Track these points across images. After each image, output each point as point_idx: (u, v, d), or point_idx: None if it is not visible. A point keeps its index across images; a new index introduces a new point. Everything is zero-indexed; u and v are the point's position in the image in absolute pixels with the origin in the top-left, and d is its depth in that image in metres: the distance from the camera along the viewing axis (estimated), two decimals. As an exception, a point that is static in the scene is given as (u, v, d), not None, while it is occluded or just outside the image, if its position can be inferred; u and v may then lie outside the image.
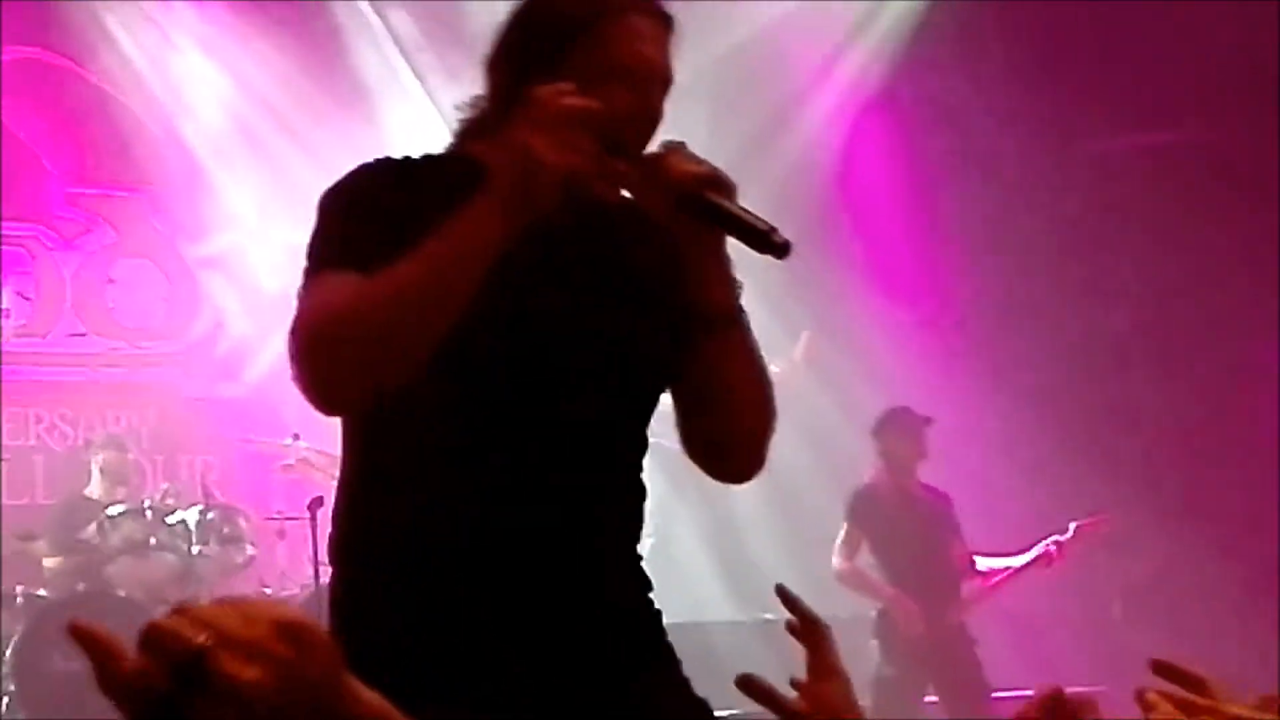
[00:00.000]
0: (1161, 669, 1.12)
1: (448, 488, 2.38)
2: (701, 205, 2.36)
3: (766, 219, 2.35)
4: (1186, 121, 9.80)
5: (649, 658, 2.49)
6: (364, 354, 2.25)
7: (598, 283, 2.47)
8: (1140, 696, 1.13)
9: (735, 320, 2.46)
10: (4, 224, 10.13)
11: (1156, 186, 9.85)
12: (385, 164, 2.46)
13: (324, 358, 2.26)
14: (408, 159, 2.49)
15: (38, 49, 10.20)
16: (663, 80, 2.46)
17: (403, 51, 10.38)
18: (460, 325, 2.26)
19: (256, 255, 10.28)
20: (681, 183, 2.35)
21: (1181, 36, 9.46)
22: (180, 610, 1.14)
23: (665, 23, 2.48)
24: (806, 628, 2.06)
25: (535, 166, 2.22)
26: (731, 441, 2.54)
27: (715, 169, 2.38)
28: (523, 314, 2.37)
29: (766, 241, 2.32)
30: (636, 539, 2.54)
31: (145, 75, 10.24)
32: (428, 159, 2.48)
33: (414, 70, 10.32)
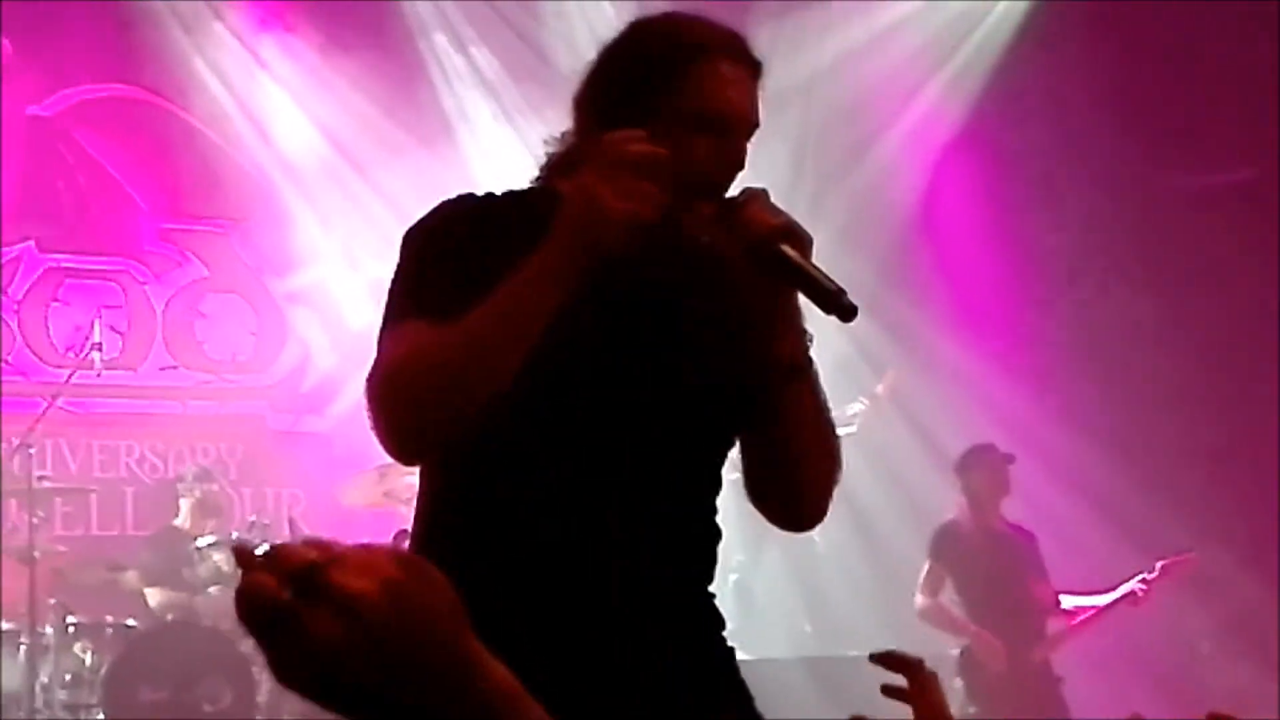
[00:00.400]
0: None
1: (524, 529, 2.40)
2: (775, 258, 2.36)
3: (837, 280, 2.37)
4: (1267, 159, 9.71)
5: (721, 696, 2.50)
6: (435, 406, 2.30)
7: (678, 328, 2.49)
8: None
9: (803, 372, 2.47)
10: (96, 259, 10.28)
11: (1236, 225, 9.78)
12: (467, 201, 2.49)
13: (398, 409, 2.32)
14: (490, 195, 2.51)
15: (130, 86, 10.35)
16: (748, 126, 2.46)
17: (486, 88, 10.45)
18: (539, 371, 2.30)
19: (341, 290, 10.38)
20: (757, 233, 2.36)
21: (1262, 74, 9.40)
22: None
23: (753, 67, 2.48)
24: (911, 673, 2.08)
25: (597, 213, 2.24)
26: (796, 492, 2.55)
27: (791, 222, 2.38)
28: (603, 361, 2.41)
29: (835, 303, 2.34)
30: (710, 578, 2.56)
31: (234, 112, 10.37)
32: (510, 195, 2.51)
33: (498, 107, 10.40)
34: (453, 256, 2.37)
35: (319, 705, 1.16)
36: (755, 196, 2.40)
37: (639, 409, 2.43)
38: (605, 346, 2.41)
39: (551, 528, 2.40)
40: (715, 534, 2.56)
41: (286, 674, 1.15)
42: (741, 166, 2.46)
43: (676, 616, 2.47)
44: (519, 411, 2.33)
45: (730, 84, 2.43)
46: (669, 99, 2.40)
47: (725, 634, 2.56)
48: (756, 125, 2.48)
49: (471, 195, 2.50)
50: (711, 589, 2.56)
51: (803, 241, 2.37)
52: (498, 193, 2.53)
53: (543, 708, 1.20)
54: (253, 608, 1.13)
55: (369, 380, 2.34)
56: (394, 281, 2.44)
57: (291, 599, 1.11)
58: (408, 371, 2.30)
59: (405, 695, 1.15)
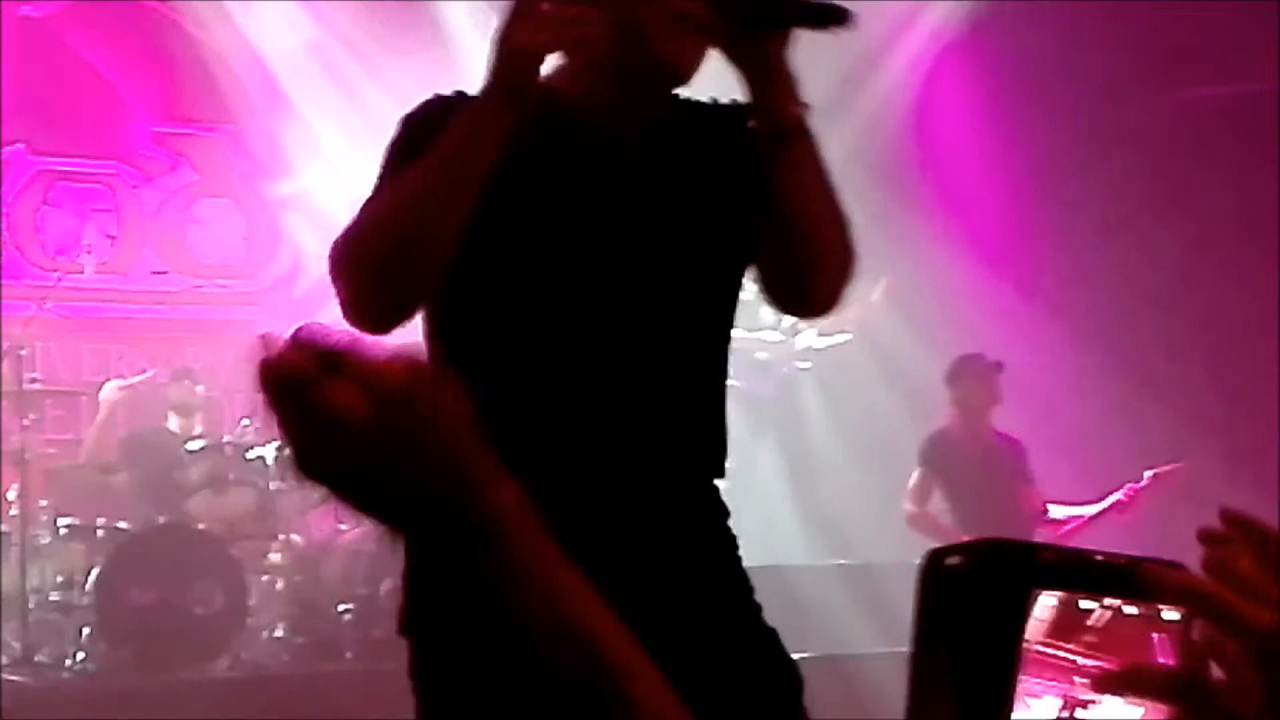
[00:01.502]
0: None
1: (523, 405, 2.40)
2: (759, 9, 2.34)
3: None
4: (1268, 75, 9.65)
5: (724, 577, 2.51)
6: (384, 265, 2.31)
7: (657, 194, 2.48)
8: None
9: (804, 132, 2.41)
10: (87, 162, 10.24)
11: (1237, 135, 9.75)
12: (456, 98, 2.49)
13: (350, 276, 2.34)
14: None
15: (120, -14, 10.28)
16: None
17: None
18: (525, 248, 2.34)
19: (335, 196, 10.33)
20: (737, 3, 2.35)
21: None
22: None
23: None
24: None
25: (507, 47, 2.26)
26: (807, 263, 2.45)
27: None
28: (584, 232, 2.41)
29: (829, 15, 2.31)
30: (714, 464, 2.56)
31: (228, 14, 10.29)
32: None
33: (497, 14, 10.30)
34: (422, 142, 2.38)
35: (332, 492, 1.17)
36: None
37: (630, 277, 2.43)
38: (566, 208, 2.41)
39: (543, 409, 2.41)
40: (715, 417, 2.55)
41: (304, 449, 1.15)
42: None
43: (676, 499, 2.48)
44: (496, 287, 2.36)
45: None
46: None
47: (729, 523, 2.56)
48: None
49: (461, 93, 2.50)
50: (717, 479, 2.56)
51: None
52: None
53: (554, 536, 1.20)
54: (275, 378, 1.14)
55: (331, 252, 2.37)
56: (380, 167, 2.48)
57: (315, 370, 1.12)
58: (354, 238, 2.34)
59: (418, 481, 1.15)
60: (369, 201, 2.39)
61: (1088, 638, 1.04)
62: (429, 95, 2.53)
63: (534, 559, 1.17)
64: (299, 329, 1.15)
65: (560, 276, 2.41)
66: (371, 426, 1.12)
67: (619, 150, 2.46)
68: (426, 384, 1.14)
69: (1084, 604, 1.03)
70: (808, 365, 9.28)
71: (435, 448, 1.15)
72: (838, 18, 2.31)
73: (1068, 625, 1.03)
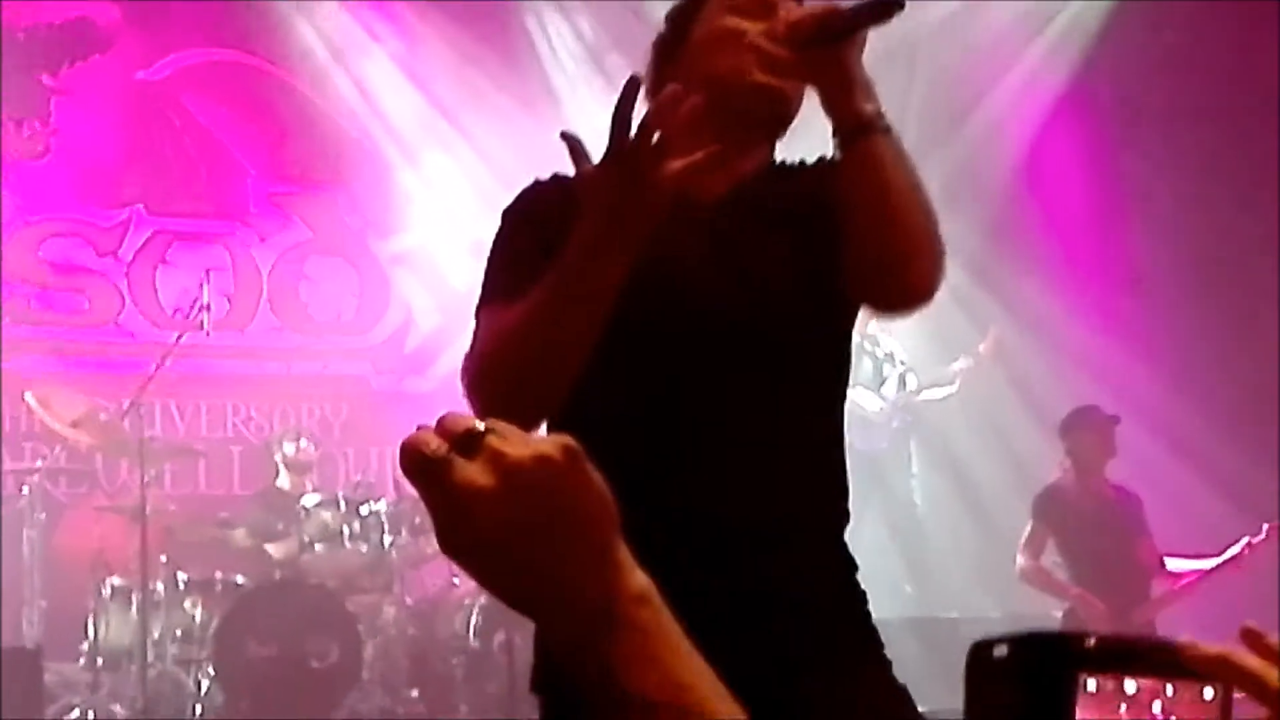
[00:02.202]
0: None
1: (631, 477, 2.41)
2: (821, 36, 2.41)
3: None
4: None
5: (853, 641, 2.52)
6: (514, 392, 2.35)
7: (757, 253, 2.52)
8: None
9: (879, 126, 2.43)
10: (204, 221, 10.42)
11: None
12: (553, 181, 2.54)
13: (484, 398, 2.38)
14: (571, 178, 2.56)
15: (236, 51, 10.46)
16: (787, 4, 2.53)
17: (590, 55, 10.45)
18: (632, 324, 2.35)
19: (444, 252, 10.45)
20: (799, 32, 2.43)
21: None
22: None
23: None
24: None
25: (652, 197, 2.22)
26: (894, 248, 2.43)
27: (811, 8, 2.46)
28: (695, 301, 2.45)
29: (881, 8, 2.35)
30: (837, 517, 2.57)
31: (339, 76, 10.46)
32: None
33: (601, 74, 10.40)
34: (533, 237, 2.42)
35: (466, 570, 1.21)
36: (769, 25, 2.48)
37: (723, 336, 2.47)
38: (674, 279, 2.45)
39: (666, 473, 2.44)
40: (835, 469, 2.58)
41: (439, 527, 1.20)
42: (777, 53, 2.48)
43: (802, 556, 2.49)
44: (602, 374, 2.37)
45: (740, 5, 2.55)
46: (705, 14, 2.56)
47: (857, 577, 2.57)
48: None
49: (558, 175, 2.53)
50: (842, 533, 2.57)
51: (830, 10, 2.43)
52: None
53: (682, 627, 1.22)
54: (410, 457, 1.19)
55: (462, 372, 2.43)
56: (488, 259, 2.53)
57: (448, 451, 1.16)
58: (485, 361, 2.39)
59: (545, 563, 1.18)
60: (489, 315, 2.43)
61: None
62: (536, 178, 2.57)
63: (659, 648, 1.19)
64: (443, 415, 1.21)
65: (669, 348, 2.45)
66: (499, 505, 1.16)
67: (721, 211, 2.50)
68: (562, 467, 1.18)
69: (1128, 687, 1.05)
70: (912, 420, 9.24)
71: (566, 531, 1.18)
72: (894, 5, 2.34)
73: (1110, 706, 1.05)
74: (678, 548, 2.38)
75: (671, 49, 2.58)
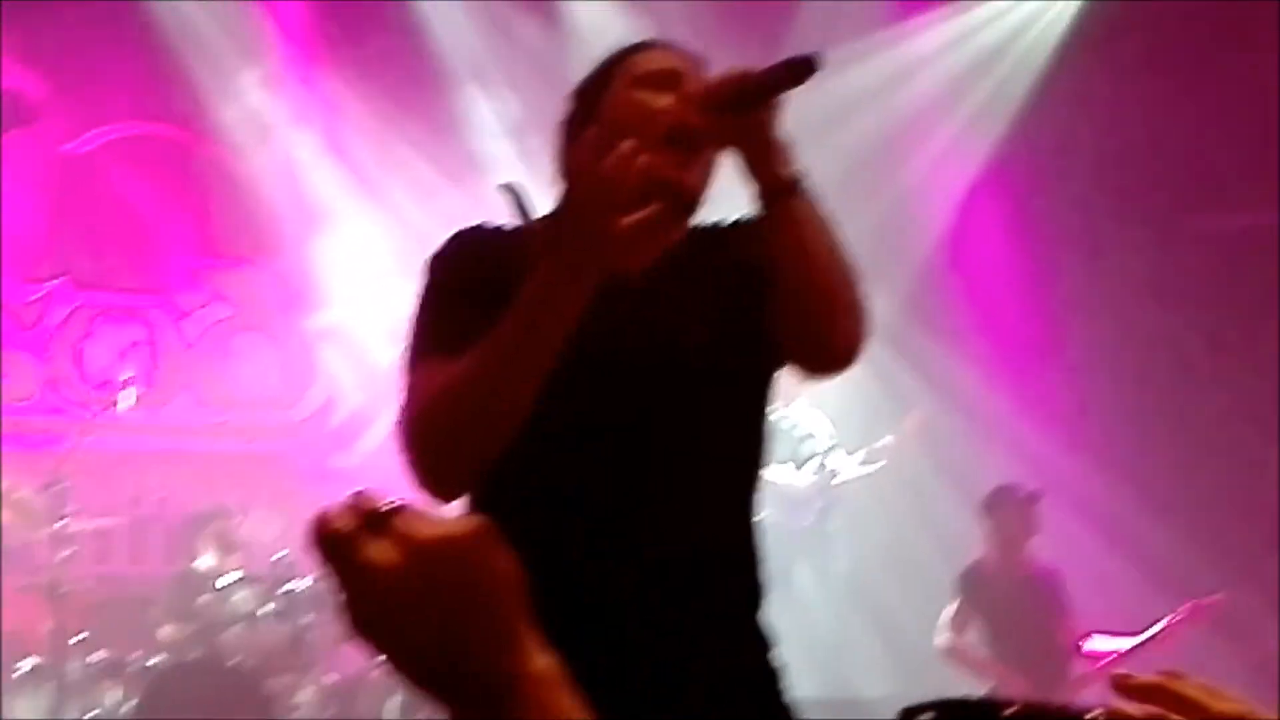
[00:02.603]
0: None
1: (551, 550, 2.40)
2: (738, 102, 2.42)
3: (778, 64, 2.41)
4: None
5: (768, 714, 2.51)
6: (454, 449, 2.35)
7: (676, 322, 2.53)
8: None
9: (800, 190, 2.46)
10: (127, 296, 10.35)
11: (1268, 264, 9.77)
12: (474, 233, 2.56)
13: (425, 454, 2.37)
14: (500, 228, 2.57)
15: (162, 124, 10.43)
16: (694, 76, 2.55)
17: (514, 133, 10.46)
18: (549, 394, 2.34)
19: (368, 327, 10.41)
20: (711, 100, 2.44)
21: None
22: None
23: (686, 52, 2.62)
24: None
25: (604, 239, 2.24)
26: (819, 309, 2.46)
27: (722, 76, 2.47)
28: (604, 358, 2.45)
29: (797, 71, 2.37)
30: (753, 593, 2.56)
31: (264, 150, 10.43)
32: (521, 227, 2.54)
33: (526, 149, 10.42)
34: (464, 290, 2.42)
35: (371, 647, 1.20)
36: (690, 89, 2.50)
37: (637, 407, 2.47)
38: (596, 360, 2.44)
39: (579, 549, 2.43)
40: (751, 547, 2.57)
41: (346, 605, 1.19)
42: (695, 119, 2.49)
43: (717, 633, 2.48)
44: (533, 437, 2.36)
45: (664, 54, 2.60)
46: (614, 88, 2.57)
47: (773, 653, 2.56)
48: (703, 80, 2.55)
49: (482, 227, 2.54)
50: (758, 610, 2.56)
51: (743, 75, 2.45)
52: (509, 225, 2.57)
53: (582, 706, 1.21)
54: (320, 534, 1.19)
55: (398, 426, 2.41)
56: (413, 319, 2.50)
57: (356, 528, 1.16)
58: (424, 420, 2.37)
59: (447, 640, 1.18)
60: (425, 370, 2.41)
61: None
62: (452, 231, 2.58)
63: None
64: (354, 493, 1.21)
65: (584, 420, 2.45)
66: (404, 583, 1.16)
67: (642, 283, 2.51)
68: (469, 547, 1.17)
69: None
70: (838, 498, 9.25)
71: (471, 610, 1.17)
72: (810, 67, 2.37)
73: None
74: (592, 620, 2.37)
75: (579, 127, 2.56)
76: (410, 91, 10.39)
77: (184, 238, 10.52)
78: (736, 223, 2.63)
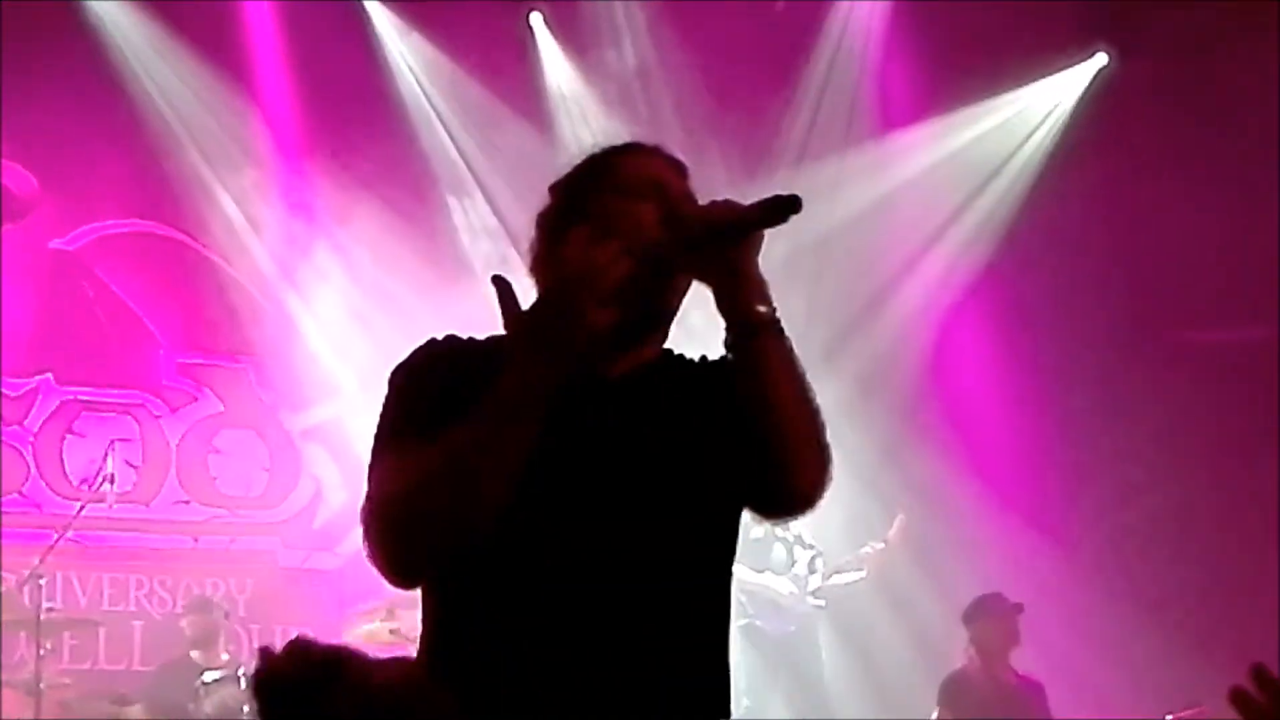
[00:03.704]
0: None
1: (512, 655, 2.40)
2: (717, 234, 2.43)
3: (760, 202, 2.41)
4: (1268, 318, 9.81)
5: None
6: (421, 534, 2.34)
7: (647, 436, 2.52)
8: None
9: (773, 327, 2.48)
10: (113, 391, 10.35)
11: (1241, 380, 9.85)
12: (448, 341, 2.57)
13: (388, 539, 2.36)
14: (471, 337, 2.59)
15: (152, 221, 10.47)
16: (672, 188, 2.54)
17: (507, 235, 10.51)
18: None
19: (355, 427, 10.41)
20: (694, 229, 2.44)
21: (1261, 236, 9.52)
22: None
23: (671, 159, 2.61)
24: None
25: (579, 326, 2.28)
26: (781, 453, 2.47)
27: (702, 207, 2.48)
28: (570, 462, 2.44)
29: (779, 209, 2.38)
30: (723, 702, 2.55)
31: (255, 248, 10.48)
32: (491, 337, 2.56)
33: (517, 253, 10.48)
34: (434, 390, 2.43)
35: None
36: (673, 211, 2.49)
37: (605, 515, 2.45)
38: (565, 470, 2.44)
39: (541, 655, 2.41)
40: (718, 657, 2.56)
41: None
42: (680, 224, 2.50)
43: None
44: (498, 538, 2.36)
45: (649, 161, 2.58)
46: (599, 190, 2.54)
47: None
48: (687, 193, 2.57)
49: (452, 335, 2.57)
50: (725, 697, 2.56)
51: (726, 207, 2.45)
52: (479, 336, 2.60)
53: None
54: (272, 685, 1.16)
55: (361, 513, 2.40)
56: (380, 418, 2.52)
57: (311, 678, 1.15)
58: (392, 500, 2.36)
59: None
60: (391, 459, 2.40)
61: None
62: (429, 338, 2.59)
63: None
64: (294, 640, 1.19)
65: (550, 522, 2.43)
66: None
67: (614, 393, 2.51)
68: (417, 692, 1.17)
69: None
70: (823, 604, 9.24)
71: None
72: (790, 208, 2.38)
73: None
74: (554, 699, 2.36)
75: (558, 222, 2.56)
76: (401, 193, 10.46)
77: (172, 334, 10.53)
78: (716, 359, 2.64)
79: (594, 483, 2.46)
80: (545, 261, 2.51)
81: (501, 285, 2.33)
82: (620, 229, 2.43)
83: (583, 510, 2.44)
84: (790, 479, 2.49)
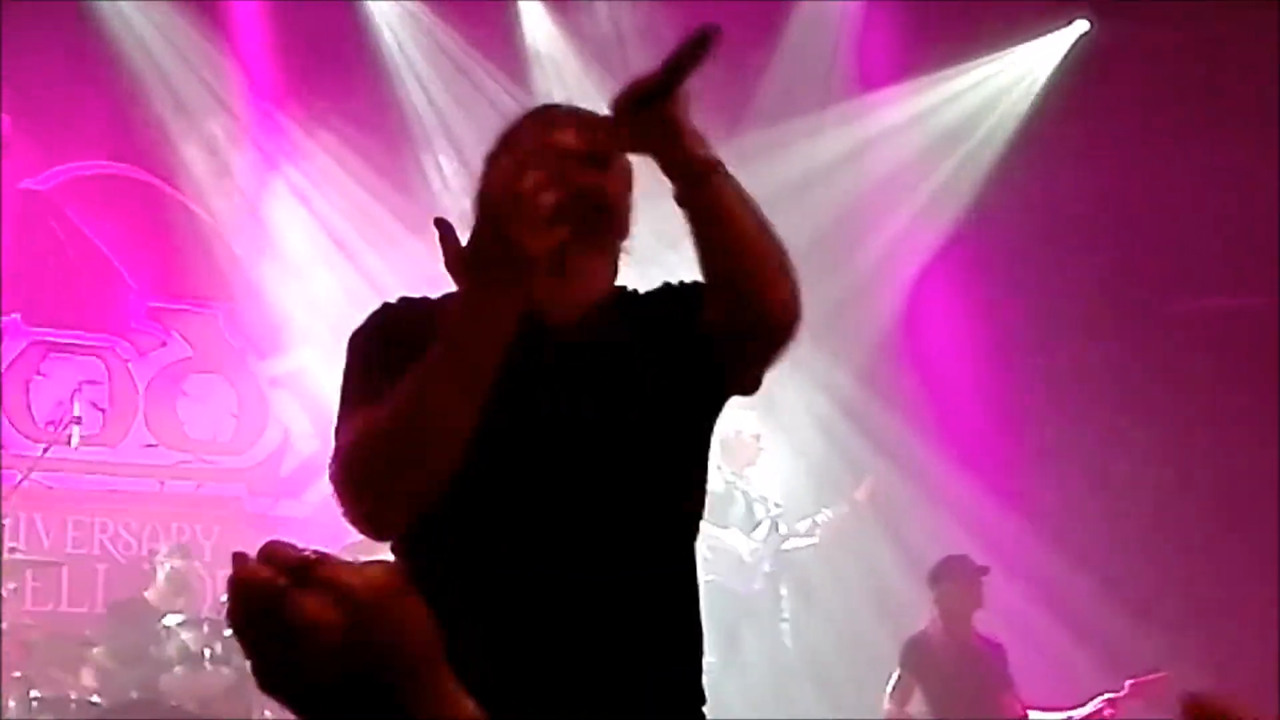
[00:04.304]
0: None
1: (474, 605, 2.42)
2: (642, 98, 2.41)
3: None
4: (1266, 287, 9.82)
5: None
6: (387, 480, 2.34)
7: (601, 376, 2.53)
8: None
9: (719, 168, 2.46)
10: (81, 334, 10.31)
11: (1229, 347, 9.88)
12: (402, 302, 2.59)
13: (358, 492, 2.36)
14: (425, 297, 2.60)
15: (124, 164, 10.42)
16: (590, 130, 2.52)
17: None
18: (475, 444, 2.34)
19: (325, 375, 10.39)
20: (623, 103, 2.42)
21: (1262, 200, 9.52)
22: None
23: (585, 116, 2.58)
24: None
25: (520, 257, 2.24)
26: (749, 276, 2.45)
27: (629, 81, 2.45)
28: (524, 421, 2.44)
29: (697, 49, 2.34)
30: (686, 655, 2.56)
31: (228, 194, 10.44)
32: (446, 295, 2.56)
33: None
34: (392, 351, 2.42)
35: (293, 707, 1.18)
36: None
37: (563, 459, 2.47)
38: (518, 442, 2.45)
39: (502, 619, 2.43)
40: (685, 619, 2.57)
41: (271, 663, 1.17)
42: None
43: (645, 693, 2.48)
44: (461, 493, 2.37)
45: (559, 121, 2.56)
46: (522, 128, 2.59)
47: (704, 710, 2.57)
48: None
49: (407, 297, 2.59)
50: (692, 665, 2.57)
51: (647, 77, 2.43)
52: (433, 295, 2.60)
53: None
54: (247, 592, 1.16)
55: (329, 471, 2.40)
56: (342, 383, 2.53)
57: (286, 583, 1.14)
58: (358, 455, 2.36)
59: (381, 694, 1.17)
60: (356, 417, 2.40)
61: None
62: (384, 301, 2.61)
63: None
64: (266, 544, 1.18)
65: (519, 464, 2.45)
66: (339, 635, 1.14)
67: (564, 334, 2.51)
68: (394, 597, 1.16)
69: None
70: (788, 561, 9.27)
71: (400, 661, 1.17)
72: (705, 43, 2.34)
73: None
74: (519, 680, 2.37)
75: (488, 163, 2.61)
76: (375, 144, 10.43)
77: (143, 277, 10.49)
78: (662, 287, 2.65)
79: (547, 456, 2.47)
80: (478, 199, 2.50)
81: (443, 227, 2.33)
82: (549, 153, 2.41)
83: (539, 486, 2.45)
84: (767, 296, 2.46)
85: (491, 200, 2.27)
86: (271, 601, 1.15)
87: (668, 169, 2.46)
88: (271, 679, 1.17)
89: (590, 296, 2.56)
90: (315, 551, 1.17)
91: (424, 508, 2.37)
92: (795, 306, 2.48)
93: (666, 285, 2.65)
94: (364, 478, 2.35)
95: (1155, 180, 9.98)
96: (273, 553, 1.17)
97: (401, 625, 1.17)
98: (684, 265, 2.59)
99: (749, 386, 2.61)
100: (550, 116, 2.60)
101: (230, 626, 1.17)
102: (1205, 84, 9.86)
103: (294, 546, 1.17)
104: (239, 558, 1.18)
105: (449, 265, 2.31)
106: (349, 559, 1.19)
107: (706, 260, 2.47)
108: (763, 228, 2.48)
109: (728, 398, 2.64)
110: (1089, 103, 10.20)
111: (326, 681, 1.16)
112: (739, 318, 2.48)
